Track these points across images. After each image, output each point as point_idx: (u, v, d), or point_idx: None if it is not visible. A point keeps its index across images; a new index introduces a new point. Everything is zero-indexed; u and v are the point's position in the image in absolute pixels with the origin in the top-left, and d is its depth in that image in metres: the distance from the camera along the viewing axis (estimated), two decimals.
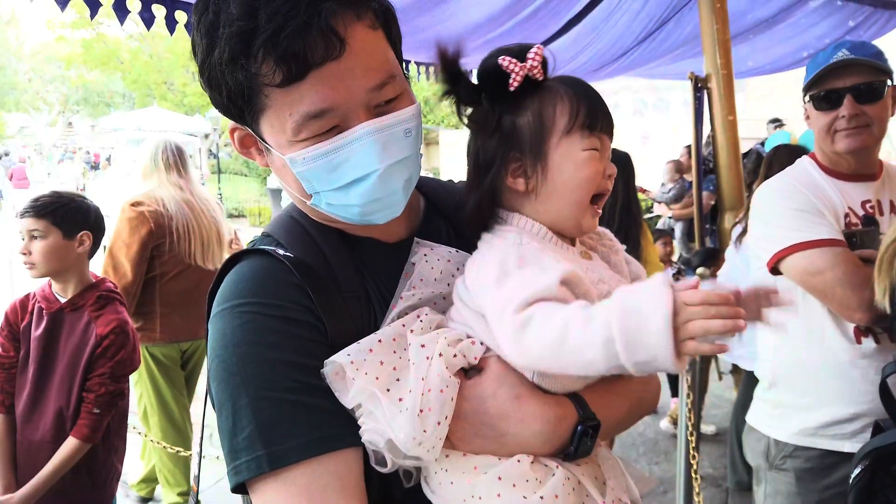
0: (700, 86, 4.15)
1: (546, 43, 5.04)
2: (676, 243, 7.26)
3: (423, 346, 0.88)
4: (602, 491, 0.91)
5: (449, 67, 0.96)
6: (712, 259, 3.98)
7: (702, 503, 2.46)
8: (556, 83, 0.99)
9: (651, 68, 6.54)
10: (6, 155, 25.07)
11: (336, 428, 0.87)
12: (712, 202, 5.04)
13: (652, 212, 8.90)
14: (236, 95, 0.88)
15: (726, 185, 4.09)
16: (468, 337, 0.93)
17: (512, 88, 0.95)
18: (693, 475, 2.50)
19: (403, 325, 0.92)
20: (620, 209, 3.37)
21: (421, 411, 0.84)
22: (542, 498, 0.84)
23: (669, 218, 8.04)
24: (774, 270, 1.91)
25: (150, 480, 3.80)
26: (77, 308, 2.36)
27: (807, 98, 2.01)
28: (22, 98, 43.93)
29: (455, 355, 0.89)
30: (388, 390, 0.86)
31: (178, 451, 3.33)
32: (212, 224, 3.37)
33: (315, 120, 0.87)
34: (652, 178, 9.95)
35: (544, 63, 0.97)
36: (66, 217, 2.34)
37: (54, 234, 2.32)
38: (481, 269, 0.94)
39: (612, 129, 1.01)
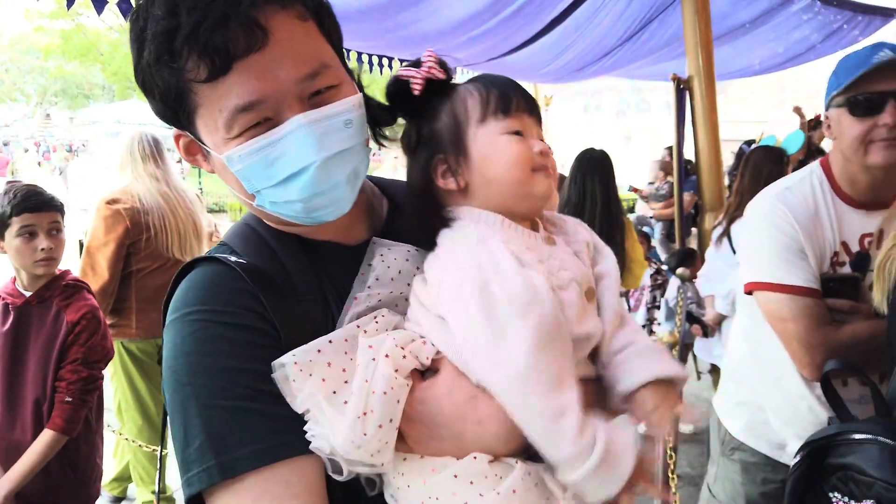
0: (682, 87, 4.18)
1: (529, 42, 5.05)
2: (656, 244, 7.31)
3: (370, 346, 0.86)
4: (565, 488, 0.89)
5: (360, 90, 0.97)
6: (690, 260, 4.00)
7: (679, 502, 2.47)
8: (465, 82, 1.00)
9: (634, 69, 6.58)
10: (5, 146, 24.64)
11: (289, 435, 0.84)
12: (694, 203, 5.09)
13: (633, 211, 8.95)
14: (167, 97, 0.86)
15: (707, 186, 4.12)
16: (421, 337, 0.90)
17: (416, 93, 0.95)
18: (670, 475, 2.51)
19: (358, 327, 0.89)
20: (601, 210, 3.37)
21: (364, 413, 0.82)
22: (498, 494, 0.81)
23: (650, 217, 8.09)
24: (749, 292, 1.89)
25: (122, 479, 3.74)
26: (44, 300, 2.32)
27: (836, 103, 1.76)
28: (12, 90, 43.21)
29: (405, 356, 0.86)
30: (335, 392, 0.84)
31: (153, 449, 3.28)
32: (188, 216, 3.32)
33: (244, 113, 0.85)
34: (634, 179, 10.01)
35: (442, 64, 0.97)
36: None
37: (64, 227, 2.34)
38: (446, 269, 0.91)
39: (534, 108, 1.00)
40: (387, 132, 1.02)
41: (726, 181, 4.78)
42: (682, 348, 3.70)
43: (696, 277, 3.75)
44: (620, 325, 0.99)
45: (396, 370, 0.84)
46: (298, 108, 0.86)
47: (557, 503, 0.84)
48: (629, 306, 4.54)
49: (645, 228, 7.25)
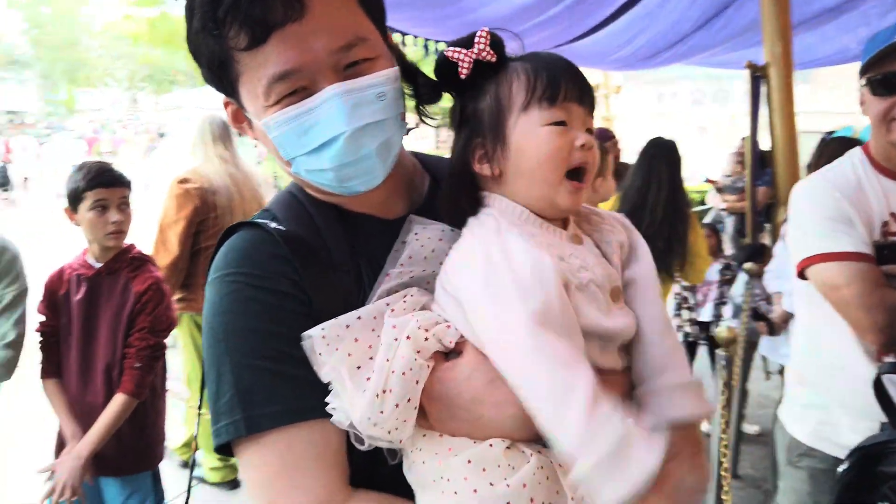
0: (758, 75, 4.00)
1: (597, 28, 4.94)
2: (726, 237, 7.05)
3: (394, 326, 0.88)
4: (578, 486, 0.89)
5: (408, 69, 0.96)
6: (760, 255, 3.85)
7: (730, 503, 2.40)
8: (517, 61, 0.96)
9: (709, 56, 6.33)
10: (102, 127, 26.19)
11: (314, 399, 0.88)
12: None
13: (704, 203, 8.64)
14: (213, 64, 0.91)
15: (782, 179, 3.94)
16: (445, 321, 0.91)
17: (462, 76, 0.94)
18: (723, 473, 2.44)
19: (387, 305, 0.91)
20: (665, 200, 3.29)
21: (384, 392, 0.84)
22: (508, 486, 0.81)
23: (722, 210, 7.78)
24: (802, 275, 1.84)
25: (191, 445, 3.94)
26: (113, 271, 2.47)
27: (863, 81, 1.83)
28: (92, 74, 45.51)
29: (427, 338, 0.87)
30: (359, 368, 0.86)
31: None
32: (254, 197, 3.46)
33: (281, 82, 0.88)
34: (709, 171, 9.67)
35: (495, 43, 0.95)
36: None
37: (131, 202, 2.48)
38: (461, 255, 0.93)
39: (586, 96, 0.96)
40: (433, 108, 1.02)
41: (804, 175, 4.58)
42: (748, 346, 3.57)
43: (762, 273, 3.61)
44: (662, 333, 0.97)
45: (418, 351, 0.86)
46: (333, 79, 0.89)
47: (568, 502, 0.83)
48: (696, 301, 4.42)
49: (718, 225, 7.00)
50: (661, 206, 3.28)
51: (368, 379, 0.86)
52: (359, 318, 0.89)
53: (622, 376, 0.97)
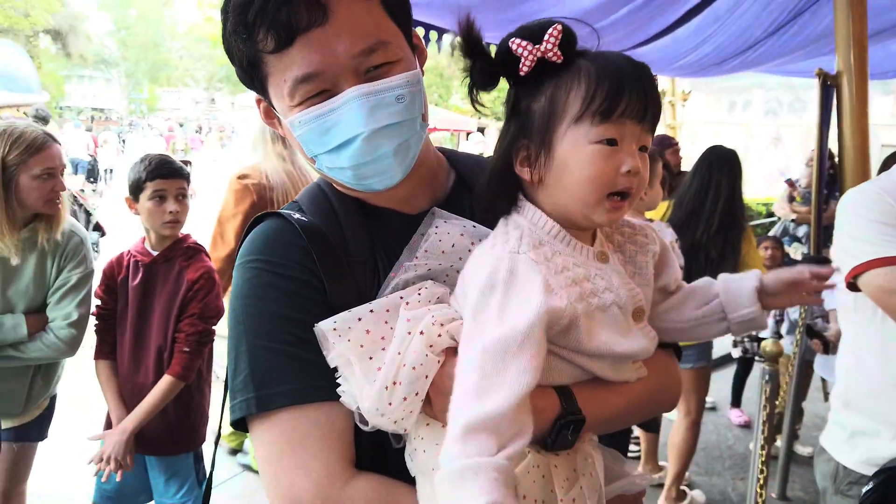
0: (829, 84, 3.83)
1: (663, 33, 4.84)
2: (792, 252, 6.76)
3: (408, 320, 0.89)
4: (570, 487, 0.88)
5: (470, 43, 0.92)
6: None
7: None
8: (586, 60, 0.91)
9: (781, 64, 6.11)
10: (180, 126, 27.56)
11: (323, 381, 0.91)
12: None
13: (772, 216, 8.31)
14: (244, 64, 0.95)
15: None
16: (460, 317, 0.91)
17: (523, 73, 0.90)
18: (759, 491, 2.34)
19: (401, 298, 0.93)
20: (722, 210, 3.21)
21: (393, 384, 0.86)
22: None
23: (792, 221, 7.43)
24: (852, 286, 1.75)
25: (239, 432, 4.07)
26: (168, 259, 2.58)
27: None
28: (173, 74, 47.57)
29: (440, 334, 0.88)
30: (371, 358, 0.88)
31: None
32: None
33: (304, 84, 0.92)
34: (781, 181, 9.29)
35: (566, 42, 0.89)
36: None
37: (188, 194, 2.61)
38: (476, 259, 0.93)
39: (648, 114, 0.90)
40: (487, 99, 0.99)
41: None
42: (802, 364, 3.43)
43: None
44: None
45: (430, 346, 0.88)
46: (354, 81, 0.92)
47: (559, 501, 0.84)
48: None
49: (784, 238, 6.70)
50: (717, 214, 3.20)
51: (379, 369, 0.88)
52: (371, 311, 0.92)
53: (640, 385, 1.01)
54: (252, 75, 0.97)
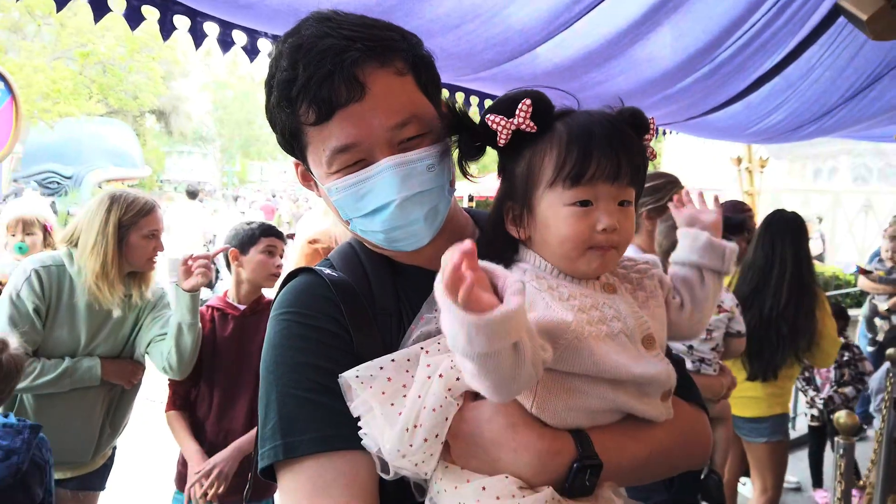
0: None
1: (733, 100, 4.80)
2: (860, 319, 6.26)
3: (428, 365, 0.93)
4: None
5: (456, 118, 1.00)
6: None
7: None
8: (562, 125, 0.97)
9: (864, 129, 5.93)
10: (273, 196, 29.50)
11: (349, 430, 0.94)
12: None
13: (855, 286, 7.81)
14: (286, 133, 1.04)
15: None
16: None
17: (501, 144, 0.97)
18: None
19: (421, 348, 0.97)
20: (790, 276, 3.08)
21: (415, 426, 0.88)
22: None
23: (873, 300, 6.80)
24: None
25: None
26: (255, 311, 2.78)
27: None
28: (263, 149, 50.42)
29: (458, 378, 0.90)
30: (392, 404, 0.92)
31: None
32: None
33: (342, 154, 0.99)
34: (870, 252, 8.83)
35: (539, 112, 0.96)
36: None
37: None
38: None
39: (621, 172, 0.94)
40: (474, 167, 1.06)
41: None
42: (890, 443, 3.17)
43: None
44: None
45: (449, 389, 0.90)
46: (388, 152, 0.99)
47: None
48: (816, 385, 3.99)
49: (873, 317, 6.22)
50: (785, 286, 3.07)
51: (400, 413, 0.91)
52: (392, 360, 0.96)
53: (666, 433, 0.99)
54: (293, 144, 1.05)
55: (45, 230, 3.87)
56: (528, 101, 0.96)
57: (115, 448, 2.91)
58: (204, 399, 2.76)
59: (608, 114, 1.00)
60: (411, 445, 0.88)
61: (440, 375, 0.91)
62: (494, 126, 0.97)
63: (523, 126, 0.96)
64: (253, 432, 2.62)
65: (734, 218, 3.00)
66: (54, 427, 2.52)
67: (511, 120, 0.96)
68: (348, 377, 0.94)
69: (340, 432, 0.95)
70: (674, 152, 16.57)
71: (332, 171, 1.02)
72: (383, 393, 0.93)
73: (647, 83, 3.99)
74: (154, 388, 2.85)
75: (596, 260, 0.96)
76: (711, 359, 2.61)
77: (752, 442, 3.41)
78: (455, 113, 1.01)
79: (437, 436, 0.89)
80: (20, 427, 2.09)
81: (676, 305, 1.09)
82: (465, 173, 1.05)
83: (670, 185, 2.85)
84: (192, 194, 12.63)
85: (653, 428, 0.99)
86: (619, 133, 0.96)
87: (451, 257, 0.73)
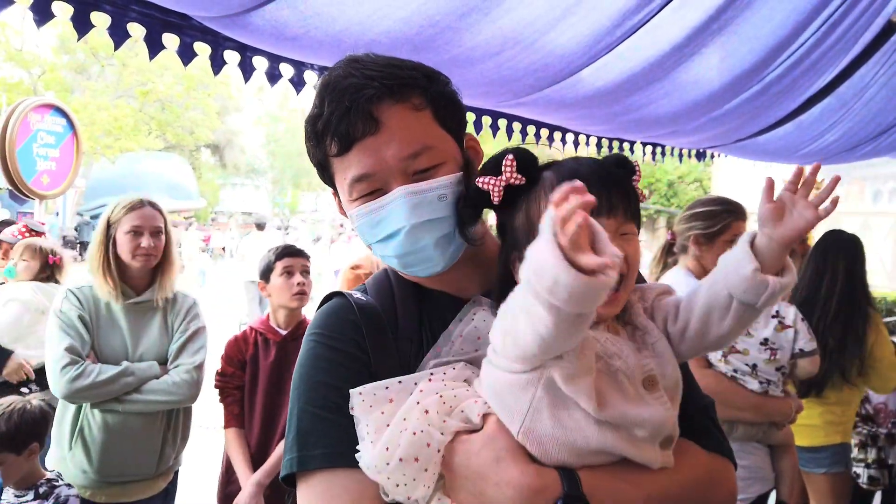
0: None
1: (782, 122, 4.70)
2: None
3: (421, 391, 0.97)
4: None
5: (465, 182, 1.06)
6: None
7: None
8: (550, 172, 1.02)
9: None
10: (285, 228, 30.23)
11: (357, 449, 0.97)
12: None
13: None
14: (319, 165, 1.12)
15: None
16: (478, 396, 0.97)
17: (496, 202, 1.01)
18: None
19: (431, 374, 1.01)
20: (840, 291, 2.98)
21: (398, 445, 0.91)
22: None
23: None
24: None
25: None
26: (296, 337, 2.83)
27: None
28: (313, 180, 51.60)
29: (446, 405, 0.95)
30: (388, 425, 0.95)
31: None
32: None
33: (359, 183, 1.06)
34: None
35: (524, 164, 1.00)
36: None
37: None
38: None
39: (614, 205, 0.96)
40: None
41: None
42: None
43: None
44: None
45: (430, 424, 0.94)
46: (402, 181, 1.05)
47: None
48: (875, 420, 3.67)
49: None
50: (835, 298, 2.97)
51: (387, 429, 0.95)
52: (399, 382, 1.00)
53: (663, 481, 0.96)
54: (324, 175, 1.14)
55: (48, 261, 3.99)
56: (511, 156, 1.02)
57: (176, 472, 2.96)
58: (246, 422, 2.82)
59: (594, 158, 1.06)
60: (388, 464, 0.91)
61: (426, 411, 0.94)
62: (486, 187, 1.02)
63: (512, 180, 1.01)
64: (271, 463, 2.68)
65: None
66: (117, 442, 2.64)
67: (500, 178, 1.01)
68: (353, 394, 0.99)
69: (349, 449, 0.98)
70: (724, 176, 16.25)
71: (352, 199, 1.09)
72: (382, 413, 0.97)
73: (693, 105, 3.94)
74: (207, 415, 2.90)
75: (606, 305, 0.95)
76: (777, 380, 2.50)
77: (811, 473, 3.26)
78: (467, 175, 1.08)
79: (416, 459, 0.91)
80: None
81: (677, 332, 1.04)
82: (467, 240, 1.09)
83: (727, 213, 2.69)
84: (260, 226, 13.90)
85: (654, 473, 0.96)
86: (606, 171, 1.00)
87: (568, 205, 0.74)
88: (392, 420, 0.95)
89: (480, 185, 1.03)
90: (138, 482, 2.75)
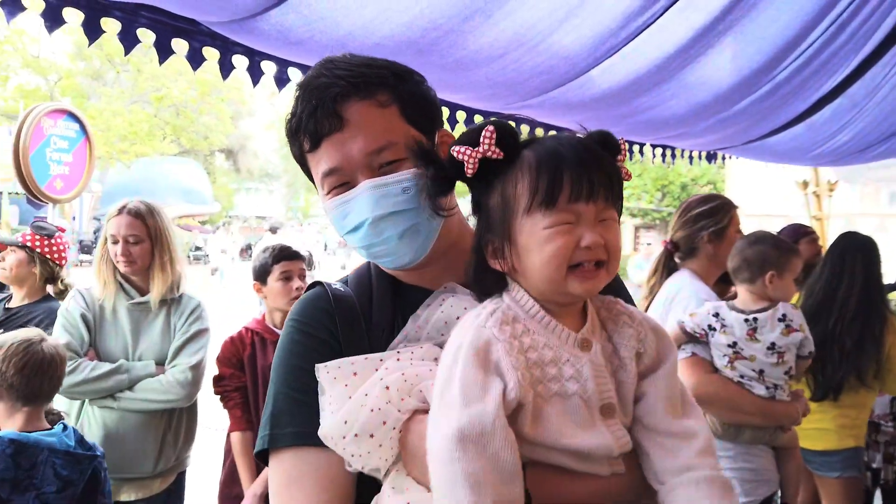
0: None
1: (793, 123, 4.67)
2: None
3: (386, 368, 1.00)
4: None
5: (422, 152, 1.02)
6: None
7: None
8: (530, 151, 0.97)
9: None
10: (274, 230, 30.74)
11: None
12: None
13: None
14: (299, 162, 1.18)
15: None
16: None
17: (469, 175, 0.97)
18: None
19: (398, 352, 1.05)
20: (858, 293, 2.96)
21: (353, 420, 0.95)
22: None
23: None
24: None
25: None
26: None
27: None
28: None
29: (406, 383, 0.98)
30: (350, 398, 0.99)
31: None
32: None
33: (329, 177, 1.12)
34: None
35: (504, 138, 0.96)
36: None
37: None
38: (452, 335, 0.98)
39: (596, 191, 0.92)
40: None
41: None
42: None
43: None
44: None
45: (389, 401, 0.97)
46: (367, 175, 1.09)
47: None
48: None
49: None
50: (852, 300, 2.95)
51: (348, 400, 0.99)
52: (366, 359, 1.04)
53: (614, 480, 0.96)
54: (306, 171, 1.19)
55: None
56: (492, 128, 0.97)
57: (182, 474, 2.95)
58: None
59: (577, 136, 1.00)
60: (344, 437, 0.95)
61: (387, 388, 0.97)
62: (461, 156, 0.97)
63: (489, 153, 0.95)
64: (264, 475, 2.63)
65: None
66: (114, 439, 2.68)
67: (477, 149, 0.96)
68: (319, 368, 1.03)
69: (316, 429, 1.02)
70: (736, 177, 16.13)
71: (325, 193, 1.15)
72: (346, 385, 1.00)
73: (701, 107, 3.93)
74: (213, 416, 2.90)
75: (584, 281, 0.93)
76: (783, 384, 2.49)
77: (824, 476, 3.24)
78: (421, 148, 1.03)
79: (371, 436, 0.95)
80: (81, 457, 2.19)
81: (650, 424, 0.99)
82: (436, 210, 1.05)
83: (726, 206, 2.85)
84: (274, 230, 14.46)
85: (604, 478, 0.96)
86: (588, 152, 0.95)
87: None
88: (354, 394, 0.99)
89: (455, 153, 0.97)
90: (134, 480, 2.75)
